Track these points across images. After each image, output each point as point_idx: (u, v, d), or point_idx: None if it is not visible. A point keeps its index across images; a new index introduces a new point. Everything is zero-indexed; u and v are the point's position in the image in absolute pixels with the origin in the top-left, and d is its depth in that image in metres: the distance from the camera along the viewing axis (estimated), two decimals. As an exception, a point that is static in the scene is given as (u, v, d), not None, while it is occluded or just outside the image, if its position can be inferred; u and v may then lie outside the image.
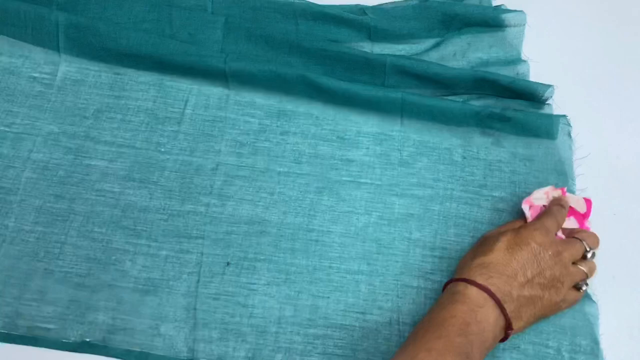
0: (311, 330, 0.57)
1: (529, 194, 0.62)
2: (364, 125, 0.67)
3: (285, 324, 0.57)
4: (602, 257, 0.60)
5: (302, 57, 0.71)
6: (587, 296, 0.60)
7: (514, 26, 0.74)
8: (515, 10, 0.74)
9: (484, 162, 0.66)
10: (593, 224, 0.62)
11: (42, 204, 0.60)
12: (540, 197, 0.60)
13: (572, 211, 0.61)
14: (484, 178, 0.65)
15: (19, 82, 0.66)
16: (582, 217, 0.61)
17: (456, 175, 0.66)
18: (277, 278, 0.59)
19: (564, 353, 0.58)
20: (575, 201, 0.61)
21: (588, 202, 0.61)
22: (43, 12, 0.66)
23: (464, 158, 0.66)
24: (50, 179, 0.61)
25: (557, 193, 0.61)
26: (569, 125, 0.68)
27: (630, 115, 0.72)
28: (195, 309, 0.57)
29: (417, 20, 0.75)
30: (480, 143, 0.67)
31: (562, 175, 0.66)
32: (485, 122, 0.68)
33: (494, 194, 0.65)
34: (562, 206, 0.59)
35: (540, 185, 0.64)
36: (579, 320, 0.59)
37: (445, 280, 0.59)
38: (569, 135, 0.68)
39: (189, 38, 0.71)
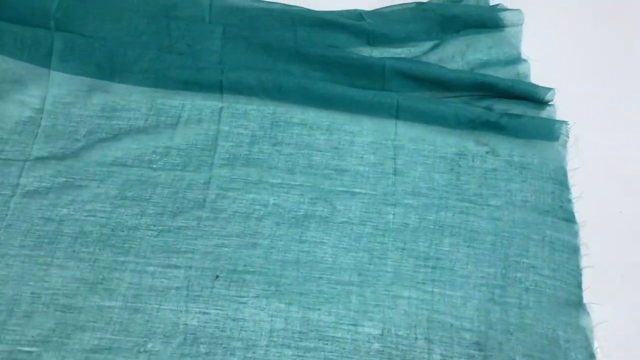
0: (302, 343, 0.57)
1: (525, 202, 0.61)
2: (358, 135, 0.67)
3: (277, 337, 0.57)
4: (609, 256, 0.61)
5: (301, 64, 0.71)
6: (582, 308, 0.59)
7: (512, 25, 0.73)
8: (512, 9, 0.73)
9: (480, 171, 0.65)
10: (598, 224, 0.63)
11: (29, 228, 0.60)
12: None
13: None
14: (479, 187, 0.64)
15: (8, 107, 0.66)
16: None
17: (451, 184, 0.65)
18: (267, 290, 0.59)
19: None
20: None
21: None
22: (39, 35, 0.67)
23: (459, 167, 0.66)
24: (40, 202, 0.61)
25: None
26: (566, 135, 0.67)
27: (633, 109, 0.72)
28: (185, 324, 0.57)
29: (415, 23, 0.74)
30: (475, 152, 0.66)
31: (557, 184, 0.65)
32: (480, 129, 0.67)
33: (490, 203, 0.64)
34: None
35: (537, 192, 0.63)
36: (572, 333, 0.58)
37: (437, 290, 0.58)
38: (564, 145, 0.66)
39: (187, 49, 0.71)
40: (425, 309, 0.59)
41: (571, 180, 0.65)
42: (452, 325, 0.58)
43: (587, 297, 0.60)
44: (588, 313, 0.59)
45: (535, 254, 0.61)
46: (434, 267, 0.61)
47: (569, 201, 0.64)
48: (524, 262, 0.61)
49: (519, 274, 0.60)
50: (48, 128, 0.66)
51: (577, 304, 0.59)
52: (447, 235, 0.62)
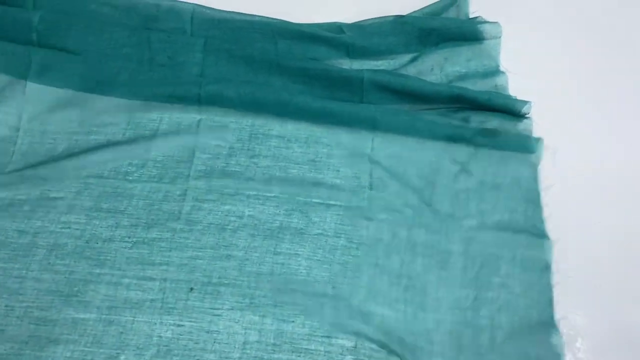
0: (275, 355, 0.57)
1: (498, 221, 0.62)
2: (336, 148, 0.68)
3: (250, 349, 0.57)
4: (583, 270, 0.62)
5: (281, 76, 0.72)
6: (552, 326, 0.59)
7: (491, 38, 0.74)
8: (491, 22, 0.74)
9: (452, 190, 0.66)
10: (573, 237, 0.63)
11: (3, 240, 0.60)
12: None
13: None
14: (452, 206, 0.65)
15: None
16: None
17: (425, 201, 0.65)
18: (241, 302, 0.59)
19: None
20: None
21: None
22: (17, 51, 0.68)
23: (434, 185, 0.66)
24: (14, 215, 0.61)
25: None
26: (541, 153, 0.67)
27: (610, 123, 0.72)
28: (159, 336, 0.57)
29: (395, 36, 0.75)
30: (449, 170, 0.67)
31: (530, 203, 0.65)
32: (455, 146, 0.67)
33: (462, 223, 0.64)
34: None
35: (510, 212, 0.63)
36: (543, 352, 0.58)
37: (410, 310, 0.59)
38: (538, 163, 0.67)
39: (168, 61, 0.72)
40: (397, 328, 0.59)
41: (546, 193, 0.66)
42: (422, 348, 0.58)
43: (560, 311, 0.60)
44: (559, 331, 0.59)
45: (507, 273, 0.62)
46: (406, 287, 0.61)
47: (541, 221, 0.64)
48: (495, 282, 0.61)
49: (490, 294, 0.61)
50: (25, 146, 0.66)
51: (548, 322, 0.60)
52: (420, 255, 0.62)
